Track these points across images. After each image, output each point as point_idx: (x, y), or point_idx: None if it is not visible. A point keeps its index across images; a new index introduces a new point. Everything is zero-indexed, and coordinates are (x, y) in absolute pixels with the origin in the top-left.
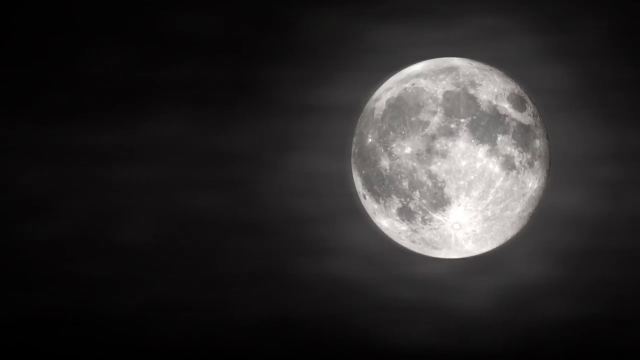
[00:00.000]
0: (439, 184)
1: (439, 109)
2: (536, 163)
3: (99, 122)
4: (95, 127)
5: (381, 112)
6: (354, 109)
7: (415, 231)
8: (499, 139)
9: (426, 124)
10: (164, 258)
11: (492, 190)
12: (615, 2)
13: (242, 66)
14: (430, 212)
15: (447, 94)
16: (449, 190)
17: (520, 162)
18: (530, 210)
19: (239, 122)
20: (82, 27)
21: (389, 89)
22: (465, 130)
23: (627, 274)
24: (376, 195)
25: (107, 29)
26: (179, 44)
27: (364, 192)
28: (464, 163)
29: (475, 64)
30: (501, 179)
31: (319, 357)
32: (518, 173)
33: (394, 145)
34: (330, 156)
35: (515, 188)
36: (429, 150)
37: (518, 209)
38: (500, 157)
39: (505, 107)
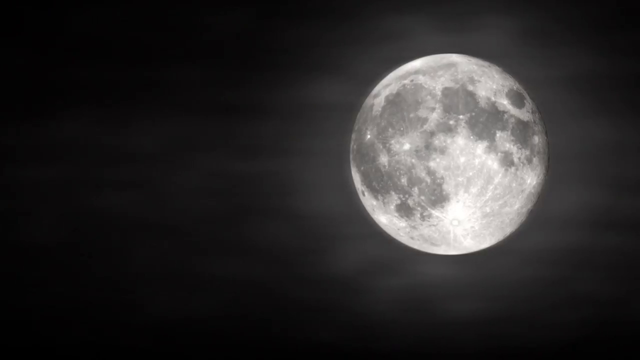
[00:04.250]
0: (438, 181)
1: (437, 106)
2: (535, 159)
3: (4, 122)
4: (1, 126)
5: (380, 109)
6: (263, 109)
7: (414, 227)
8: (497, 135)
9: (425, 120)
10: (72, 258)
11: (491, 187)
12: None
13: (149, 66)
14: (429, 209)
15: (445, 90)
16: (448, 187)
17: (519, 158)
18: (529, 206)
19: (146, 122)
20: None
21: (388, 85)
22: (464, 127)
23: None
24: (375, 192)
25: (13, 27)
26: (87, 44)
27: (363, 189)
28: (462, 159)
29: (474, 60)
30: (500, 175)
31: (226, 357)
32: (517, 169)
33: (392, 141)
34: (239, 156)
35: (514, 184)
36: (428, 147)
37: (517, 205)
38: (499, 154)
39: (504, 103)
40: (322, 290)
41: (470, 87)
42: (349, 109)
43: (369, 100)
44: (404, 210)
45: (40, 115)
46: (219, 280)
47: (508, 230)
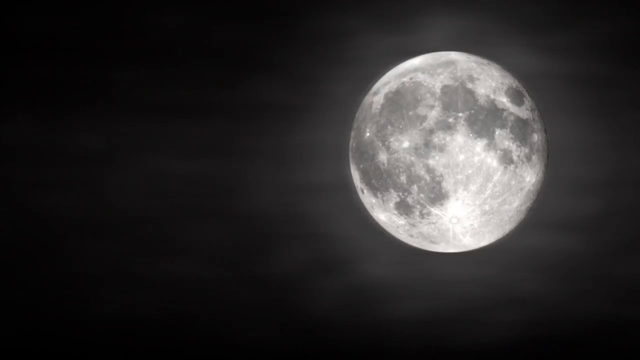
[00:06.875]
0: (437, 178)
1: (437, 103)
2: (534, 157)
3: None
4: None
5: (379, 106)
6: (206, 109)
7: (413, 225)
8: (496, 133)
9: (424, 118)
10: (7, 258)
11: (490, 185)
12: None
13: (91, 66)
14: (428, 206)
15: (445, 88)
16: (447, 185)
17: (518, 156)
18: (528, 204)
19: (86, 122)
20: None
21: (387, 83)
22: (463, 125)
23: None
24: (374, 190)
25: None
26: (28, 43)
27: (362, 187)
28: (461, 157)
29: (473, 58)
30: (499, 173)
31: (168, 357)
32: (516, 167)
33: (391, 139)
34: (180, 156)
35: (513, 182)
36: (427, 145)
37: (516, 203)
38: (498, 151)
39: (503, 101)
40: (265, 290)
41: (470, 85)
42: (294, 108)
43: (368, 98)
44: (403, 208)
45: None
46: (159, 280)
47: (507, 227)
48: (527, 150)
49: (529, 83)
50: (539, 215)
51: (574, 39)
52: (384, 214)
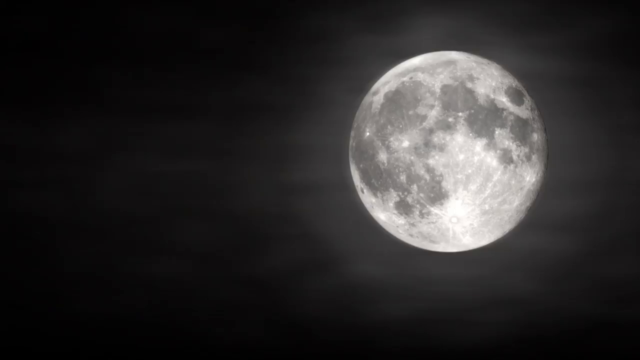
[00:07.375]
0: (437, 178)
1: (436, 103)
2: (534, 157)
3: None
4: None
5: (379, 106)
6: (195, 109)
7: (413, 225)
8: (496, 132)
9: (424, 117)
10: (2, 259)
11: (490, 184)
12: None
13: (74, 66)
14: (428, 206)
15: (444, 87)
16: (447, 184)
17: (518, 155)
18: (528, 203)
19: (74, 121)
20: None
21: (387, 82)
22: (463, 124)
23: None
24: (374, 189)
25: None
26: (22, 43)
27: (362, 186)
28: (461, 157)
29: (473, 57)
30: (499, 172)
31: (166, 357)
32: (516, 167)
33: (391, 139)
34: (178, 156)
35: (513, 182)
36: (427, 144)
37: (516, 203)
38: (498, 151)
39: (503, 100)
40: (252, 289)
41: (470, 85)
42: (293, 109)
43: (367, 98)
44: (403, 207)
45: None
46: (145, 280)
47: (507, 227)
48: (527, 150)
49: (529, 83)
50: (539, 215)
51: (574, 38)
52: (384, 214)
